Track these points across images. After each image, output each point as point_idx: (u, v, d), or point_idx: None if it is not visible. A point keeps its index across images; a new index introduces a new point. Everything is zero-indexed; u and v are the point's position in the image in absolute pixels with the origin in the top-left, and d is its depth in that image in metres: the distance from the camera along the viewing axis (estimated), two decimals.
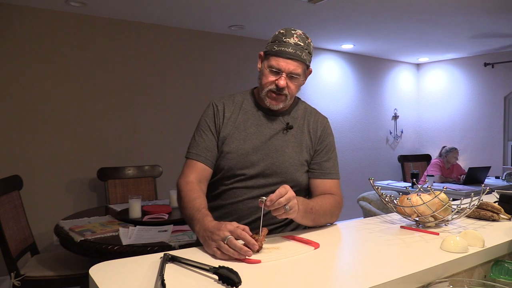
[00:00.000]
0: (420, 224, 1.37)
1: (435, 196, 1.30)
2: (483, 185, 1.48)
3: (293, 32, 1.36)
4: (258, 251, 1.06)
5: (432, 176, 4.47)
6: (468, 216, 1.50)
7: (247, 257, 1.01)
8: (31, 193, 3.20)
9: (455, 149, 4.88)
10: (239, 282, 0.84)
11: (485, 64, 5.45)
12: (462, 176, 4.75)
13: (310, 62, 1.40)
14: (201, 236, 1.12)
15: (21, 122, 3.33)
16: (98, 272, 0.93)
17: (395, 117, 6.02)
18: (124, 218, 2.41)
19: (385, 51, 5.45)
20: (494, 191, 1.89)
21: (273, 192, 1.13)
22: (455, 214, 1.37)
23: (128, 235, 2.06)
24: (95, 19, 3.64)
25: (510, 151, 5.36)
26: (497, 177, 4.89)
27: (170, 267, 0.96)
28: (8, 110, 3.28)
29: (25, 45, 3.33)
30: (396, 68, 6.06)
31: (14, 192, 2.51)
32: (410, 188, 3.23)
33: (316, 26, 4.07)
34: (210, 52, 4.29)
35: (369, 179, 1.52)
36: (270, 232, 1.29)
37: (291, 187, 1.19)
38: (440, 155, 4.94)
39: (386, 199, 1.39)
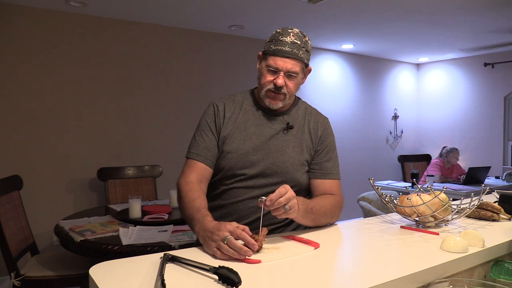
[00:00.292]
0: (420, 224, 1.37)
1: (435, 196, 1.30)
2: (483, 185, 1.48)
3: (289, 31, 1.36)
4: (258, 251, 1.06)
5: (432, 176, 4.47)
6: (468, 216, 1.50)
7: (247, 257, 1.01)
8: (31, 193, 3.20)
9: (456, 149, 4.88)
10: (239, 282, 0.84)
11: (485, 64, 5.45)
12: (462, 176, 4.75)
13: (308, 60, 1.40)
14: (201, 236, 1.12)
15: (21, 122, 3.33)
16: (98, 272, 0.93)
17: (395, 117, 6.03)
18: (124, 218, 2.41)
19: (385, 51, 5.45)
20: (494, 191, 1.89)
21: (273, 192, 1.13)
22: (455, 214, 1.37)
23: (128, 235, 2.06)
24: (95, 19, 3.64)
25: (510, 151, 5.36)
26: (497, 177, 4.88)
27: (170, 267, 0.96)
28: (8, 110, 3.28)
29: (25, 45, 3.33)
30: (396, 68, 6.06)
31: (14, 192, 2.51)
32: (410, 188, 3.23)
33: (316, 26, 4.07)
34: (210, 52, 4.29)
35: (369, 179, 1.52)
36: (270, 232, 1.29)
37: (291, 187, 1.19)
38: (441, 155, 4.94)
39: (386, 199, 1.39)
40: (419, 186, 1.44)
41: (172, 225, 2.24)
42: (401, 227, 1.38)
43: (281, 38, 1.35)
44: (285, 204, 1.14)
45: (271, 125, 1.43)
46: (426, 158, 5.92)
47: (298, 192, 1.27)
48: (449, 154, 4.84)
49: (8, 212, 2.34)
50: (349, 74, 5.52)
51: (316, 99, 5.06)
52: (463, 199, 1.42)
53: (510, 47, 5.06)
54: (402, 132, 6.10)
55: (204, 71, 4.26)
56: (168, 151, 3.99)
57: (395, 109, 6.03)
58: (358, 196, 3.38)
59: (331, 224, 1.41)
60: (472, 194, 3.42)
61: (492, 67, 5.40)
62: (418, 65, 6.34)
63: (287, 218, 1.34)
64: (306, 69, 1.42)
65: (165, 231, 2.13)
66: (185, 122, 4.03)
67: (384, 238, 1.25)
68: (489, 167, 4.58)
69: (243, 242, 1.04)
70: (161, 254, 1.02)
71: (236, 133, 1.40)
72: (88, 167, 3.57)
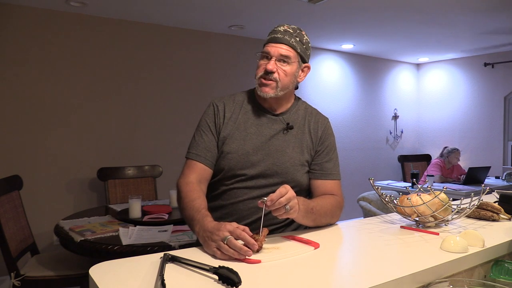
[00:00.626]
0: (420, 224, 1.37)
1: (435, 196, 1.30)
2: (483, 185, 1.48)
3: (285, 24, 1.42)
4: (258, 251, 1.06)
5: (432, 176, 4.47)
6: (468, 216, 1.50)
7: (247, 257, 1.01)
8: (31, 193, 3.20)
9: (457, 149, 4.88)
10: (239, 282, 0.84)
11: (485, 64, 5.45)
12: (462, 176, 4.75)
13: (304, 53, 1.41)
14: (201, 236, 1.11)
15: (21, 122, 3.33)
16: (98, 272, 0.93)
17: (395, 117, 6.02)
18: (124, 218, 2.41)
19: (385, 51, 5.45)
20: (494, 191, 1.89)
21: (273, 192, 1.13)
22: (455, 214, 1.37)
23: (128, 235, 2.06)
24: (95, 19, 3.64)
25: (510, 151, 5.36)
26: (497, 177, 4.89)
27: (170, 267, 0.96)
28: (8, 110, 3.28)
29: (25, 45, 3.33)
30: (396, 68, 6.06)
31: (14, 192, 2.51)
32: (410, 188, 3.23)
33: (316, 26, 4.07)
34: (210, 52, 4.29)
35: (369, 179, 1.52)
36: (271, 233, 1.29)
37: (292, 187, 1.18)
38: (442, 155, 4.93)
39: (386, 199, 1.39)
40: (419, 186, 1.44)
41: (172, 225, 2.24)
42: (401, 227, 1.38)
43: (275, 29, 1.41)
44: (285, 204, 1.13)
45: (271, 125, 1.43)
46: (426, 158, 5.92)
47: (298, 193, 1.26)
48: (450, 155, 4.84)
49: (8, 212, 2.34)
50: (349, 74, 5.52)
51: (316, 99, 5.06)
52: (463, 199, 1.42)
53: (510, 47, 5.06)
54: (402, 132, 6.10)
55: (204, 71, 4.26)
56: (168, 151, 3.99)
57: (395, 109, 6.03)
58: (358, 196, 3.38)
59: (331, 224, 1.41)
60: (472, 194, 3.41)
61: (492, 67, 5.40)
62: (418, 65, 6.34)
63: (287, 219, 1.34)
64: (303, 65, 1.42)
65: (165, 231, 2.13)
66: (185, 122, 4.03)
67: (384, 238, 1.25)
68: (489, 167, 4.58)
69: (243, 242, 1.04)
70: (161, 254, 1.02)
71: (236, 133, 1.40)
72: (88, 167, 3.57)
